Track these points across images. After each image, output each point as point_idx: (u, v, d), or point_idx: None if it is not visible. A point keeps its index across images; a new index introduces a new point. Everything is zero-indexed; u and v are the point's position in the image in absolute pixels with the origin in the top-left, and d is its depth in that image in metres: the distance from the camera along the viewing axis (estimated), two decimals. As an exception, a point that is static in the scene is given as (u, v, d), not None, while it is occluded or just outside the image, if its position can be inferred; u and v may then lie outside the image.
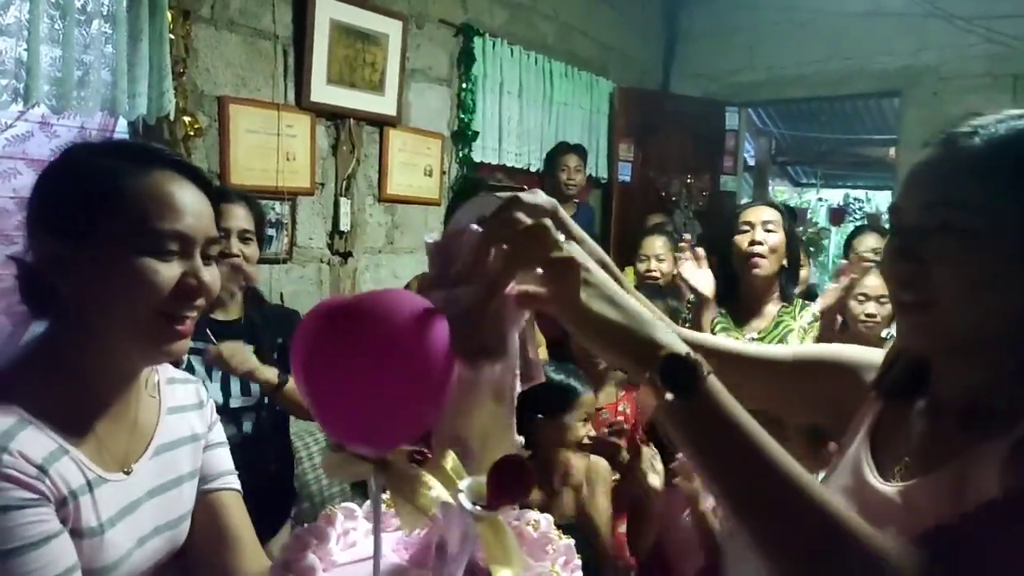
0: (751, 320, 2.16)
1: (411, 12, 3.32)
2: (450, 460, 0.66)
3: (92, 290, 0.85)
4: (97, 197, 0.85)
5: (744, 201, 5.87)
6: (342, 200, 3.11)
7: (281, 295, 2.84)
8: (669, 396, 0.57)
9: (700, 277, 2.04)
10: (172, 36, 2.40)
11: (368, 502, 0.82)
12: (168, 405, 1.02)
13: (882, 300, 2.41)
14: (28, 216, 0.91)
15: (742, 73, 5.13)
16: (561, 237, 0.59)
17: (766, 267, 2.10)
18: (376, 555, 0.64)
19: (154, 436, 0.97)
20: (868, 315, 2.39)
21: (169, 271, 0.86)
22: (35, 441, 0.80)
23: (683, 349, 0.58)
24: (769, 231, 2.11)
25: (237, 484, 1.09)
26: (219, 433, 1.10)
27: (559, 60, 4.24)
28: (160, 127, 2.45)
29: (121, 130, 2.41)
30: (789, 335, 2.08)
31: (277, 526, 1.96)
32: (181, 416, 1.03)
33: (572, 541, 0.69)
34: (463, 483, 0.64)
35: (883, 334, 2.51)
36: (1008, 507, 0.57)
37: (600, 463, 1.95)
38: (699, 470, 0.59)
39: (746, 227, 2.13)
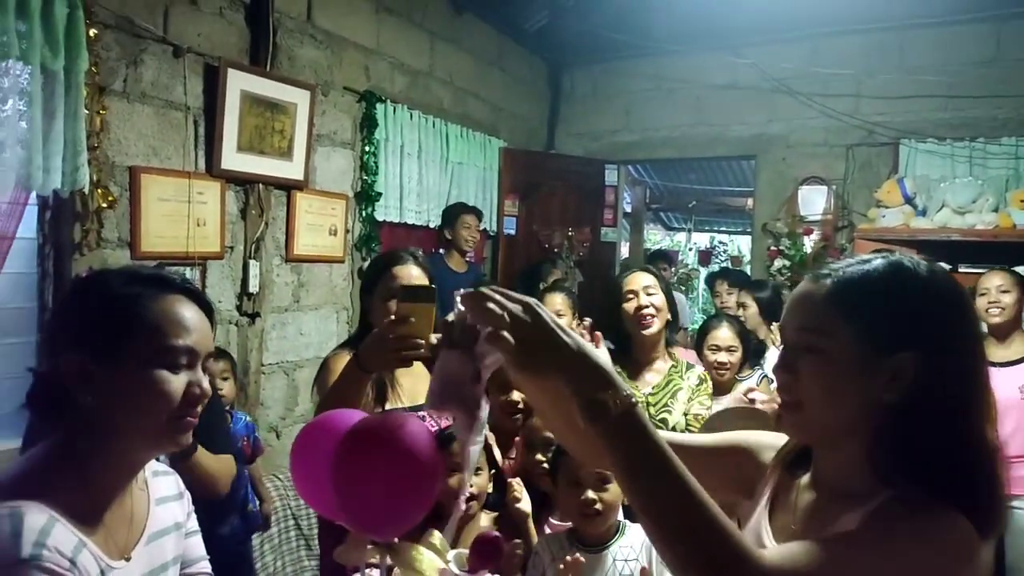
0: (644, 375, 2.44)
1: (318, 81, 3.48)
2: (437, 538, 0.86)
3: (115, 400, 0.97)
4: (123, 319, 0.98)
5: (623, 256, 6.35)
6: (251, 262, 3.19)
7: (192, 359, 2.88)
8: (599, 421, 0.75)
9: (598, 355, 2.27)
10: (87, 111, 2.45)
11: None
12: (156, 496, 1.12)
13: (731, 349, 2.81)
14: (52, 334, 1.03)
15: (619, 134, 5.61)
16: (505, 312, 0.76)
17: (656, 325, 2.39)
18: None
19: (146, 525, 1.08)
20: (719, 363, 2.78)
21: (179, 381, 1.00)
22: (63, 536, 0.90)
23: (607, 386, 0.75)
24: (651, 294, 2.40)
25: (209, 568, 1.21)
26: (194, 521, 1.21)
27: (454, 122, 4.51)
28: (73, 199, 2.48)
29: (32, 203, 2.42)
30: (679, 392, 2.37)
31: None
32: (166, 506, 1.14)
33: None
34: (451, 554, 0.85)
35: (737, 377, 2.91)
36: (849, 540, 0.78)
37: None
38: (618, 478, 0.78)
39: (631, 295, 2.42)
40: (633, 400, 0.76)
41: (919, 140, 4.56)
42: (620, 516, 1.68)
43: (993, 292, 2.93)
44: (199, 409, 1.04)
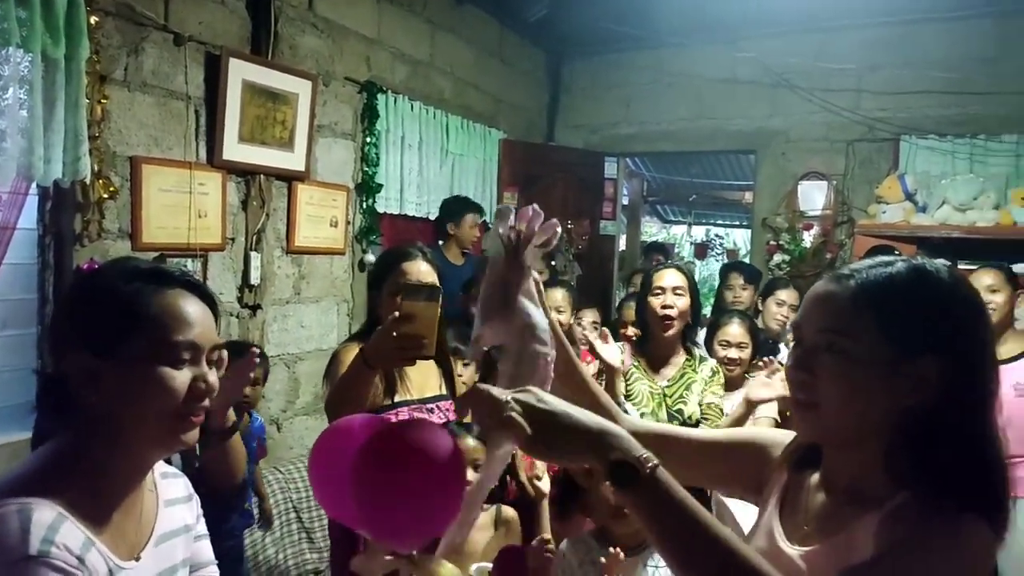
0: (661, 369, 2.48)
1: (319, 71, 3.44)
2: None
3: (119, 397, 0.96)
4: (126, 316, 0.97)
5: (620, 249, 6.27)
6: (252, 254, 3.16)
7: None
8: (628, 486, 0.75)
9: (608, 351, 2.26)
10: (88, 100, 2.40)
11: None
12: (165, 498, 1.11)
13: (742, 346, 2.81)
14: (57, 334, 1.01)
15: (619, 126, 5.58)
16: (507, 397, 0.77)
17: (676, 327, 2.42)
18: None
19: (155, 527, 1.06)
20: (729, 359, 2.77)
21: (183, 377, 0.98)
22: (72, 534, 0.89)
23: (630, 454, 0.75)
24: (678, 295, 2.41)
25: (217, 572, 1.20)
26: (203, 525, 1.20)
27: (455, 113, 4.47)
28: (74, 189, 2.44)
29: (32, 193, 2.38)
30: (693, 384, 2.42)
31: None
32: (175, 509, 1.12)
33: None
34: (473, 567, 0.84)
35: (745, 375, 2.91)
36: (875, 566, 0.78)
37: (508, 512, 2.04)
38: (652, 539, 0.77)
39: (659, 291, 2.43)
40: (656, 461, 0.76)
41: (920, 136, 4.55)
42: None
43: (984, 293, 2.82)
44: (206, 403, 1.02)
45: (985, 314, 0.91)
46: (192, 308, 1.01)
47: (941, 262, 0.92)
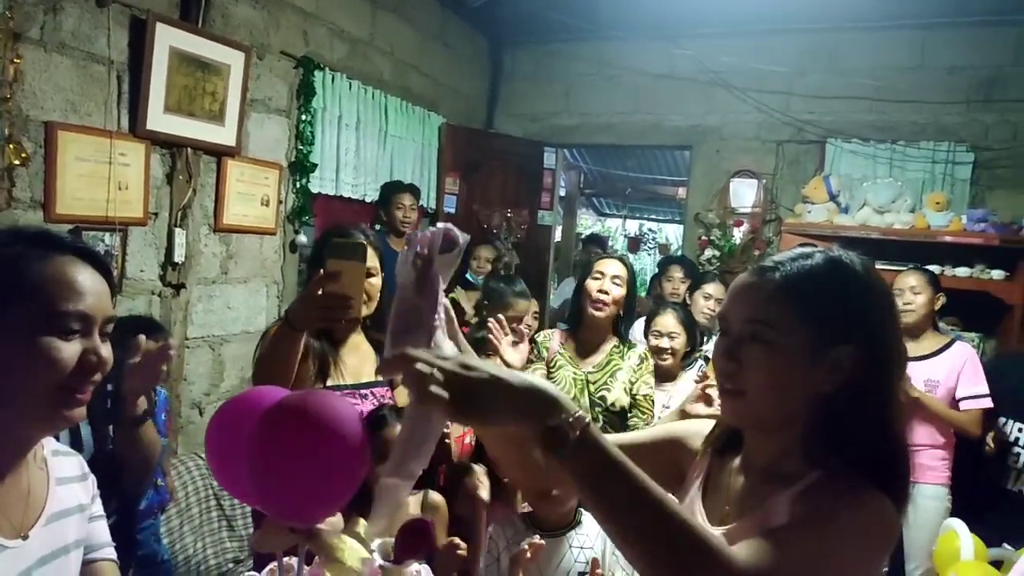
0: (589, 356, 2.51)
1: (253, 43, 3.31)
2: (361, 526, 0.83)
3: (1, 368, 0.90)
4: (6, 283, 0.91)
5: (556, 240, 6.29)
6: (177, 231, 3.03)
7: (110, 330, 2.71)
8: (558, 449, 0.73)
9: (510, 354, 2.22)
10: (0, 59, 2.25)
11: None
12: (56, 476, 1.06)
13: (672, 336, 2.84)
14: None
15: (558, 117, 5.59)
16: (431, 370, 0.72)
17: (607, 313, 2.46)
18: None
19: (46, 505, 1.02)
20: (661, 348, 2.78)
21: (71, 349, 0.93)
22: None
23: (559, 418, 0.73)
24: (616, 284, 2.46)
25: (114, 555, 1.15)
26: (99, 505, 1.14)
27: (394, 95, 4.39)
28: (-20, 154, 2.28)
29: (-67, 156, 2.22)
30: (618, 372, 2.45)
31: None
32: (68, 487, 1.07)
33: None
34: (375, 543, 0.82)
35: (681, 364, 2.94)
36: (788, 529, 0.81)
37: (436, 497, 2.03)
38: (585, 499, 0.77)
39: (598, 275, 2.48)
40: (587, 420, 0.75)
41: (844, 140, 4.73)
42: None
43: (907, 293, 2.97)
44: (96, 378, 0.97)
45: (894, 305, 0.96)
46: (83, 277, 0.96)
47: (855, 254, 0.96)
